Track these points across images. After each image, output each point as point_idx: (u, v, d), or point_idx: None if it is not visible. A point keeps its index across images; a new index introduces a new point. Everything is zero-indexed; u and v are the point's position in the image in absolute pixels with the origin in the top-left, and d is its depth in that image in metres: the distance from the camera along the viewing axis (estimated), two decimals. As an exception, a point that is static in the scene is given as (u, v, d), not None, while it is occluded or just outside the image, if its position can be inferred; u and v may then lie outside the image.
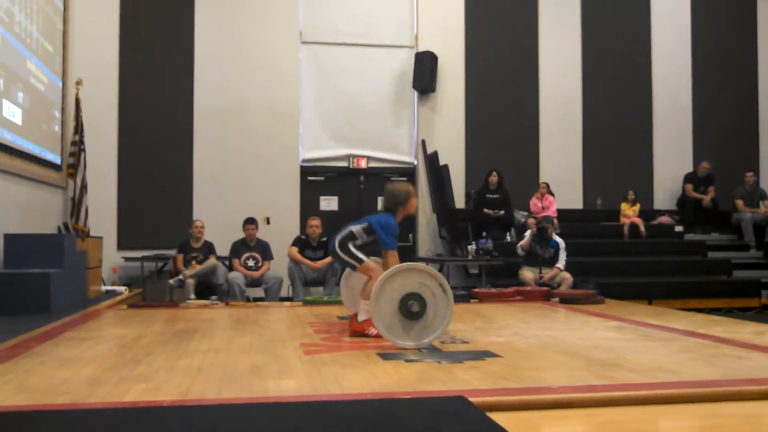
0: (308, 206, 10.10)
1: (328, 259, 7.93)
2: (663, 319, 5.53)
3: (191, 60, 9.99)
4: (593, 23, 11.21)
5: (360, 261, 4.61)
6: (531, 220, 9.15)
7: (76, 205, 8.45)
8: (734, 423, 2.61)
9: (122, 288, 8.31)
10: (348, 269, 5.14)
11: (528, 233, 8.43)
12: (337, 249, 4.62)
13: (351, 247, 4.60)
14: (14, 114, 6.89)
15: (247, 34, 10.12)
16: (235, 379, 3.17)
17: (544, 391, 2.89)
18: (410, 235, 10.53)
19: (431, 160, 10.21)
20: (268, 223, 9.76)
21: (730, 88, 11.56)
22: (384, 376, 3.25)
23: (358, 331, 4.58)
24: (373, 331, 4.50)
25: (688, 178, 10.94)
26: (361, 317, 4.60)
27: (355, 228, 4.67)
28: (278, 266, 8.38)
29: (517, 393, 2.86)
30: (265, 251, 8.30)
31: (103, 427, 2.35)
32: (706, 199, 10.70)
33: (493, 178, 9.85)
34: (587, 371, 3.35)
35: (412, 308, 4.15)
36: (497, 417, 2.44)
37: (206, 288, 7.95)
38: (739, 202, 10.61)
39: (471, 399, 2.64)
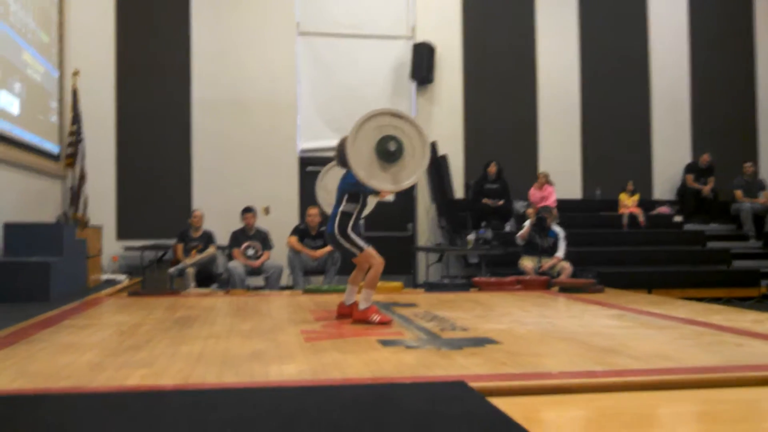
0: (307, 196, 10.07)
1: (328, 248, 7.94)
2: (662, 308, 5.54)
3: (188, 50, 9.96)
4: (591, 13, 11.19)
5: (361, 249, 4.61)
6: (530, 210, 9.15)
7: (75, 195, 8.45)
8: (733, 408, 2.62)
9: (122, 277, 8.32)
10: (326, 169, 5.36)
11: (527, 223, 8.44)
12: (337, 235, 4.61)
13: (351, 233, 4.60)
14: (11, 104, 6.88)
15: (244, 25, 10.10)
16: (236, 365, 3.18)
17: (544, 377, 2.90)
18: (410, 225, 10.54)
19: (430, 150, 10.19)
20: (268, 213, 9.77)
21: (728, 78, 11.54)
22: (384, 361, 3.25)
23: (361, 318, 4.59)
24: (375, 318, 4.53)
25: (689, 169, 10.94)
26: (362, 305, 4.61)
27: (342, 206, 4.64)
28: (278, 255, 8.39)
29: (517, 378, 2.87)
30: (264, 240, 8.31)
31: (105, 410, 2.36)
32: (706, 189, 10.70)
33: (492, 168, 9.85)
34: (587, 357, 3.36)
35: (389, 148, 4.19)
36: (497, 402, 2.44)
37: (206, 277, 7.96)
38: (738, 193, 10.61)
39: (471, 384, 2.65)
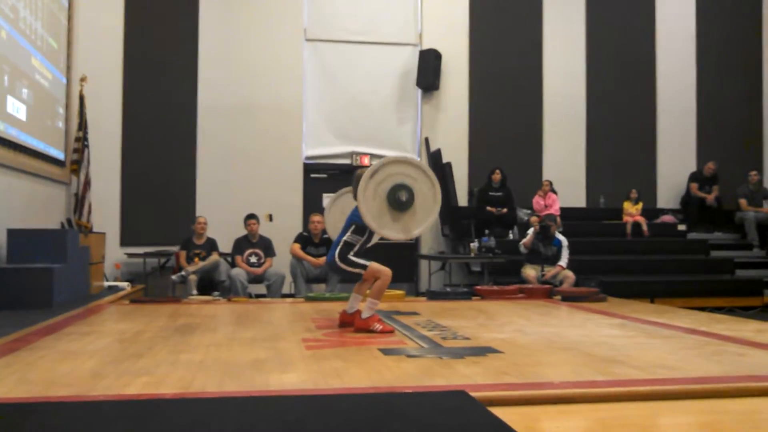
0: (311, 203, 10.10)
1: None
2: (665, 317, 5.53)
3: (195, 57, 9.99)
4: (598, 22, 11.20)
5: (365, 267, 4.61)
6: (534, 218, 9.14)
7: (80, 201, 8.46)
8: (735, 419, 2.61)
9: (125, 284, 8.32)
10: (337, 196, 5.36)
11: (531, 231, 8.42)
12: (338, 262, 4.61)
13: (351, 257, 4.60)
14: (18, 110, 6.90)
15: (251, 32, 10.13)
16: (236, 373, 3.18)
17: (546, 387, 2.89)
18: (413, 233, 10.52)
19: (434, 157, 10.21)
20: (271, 220, 9.77)
21: (734, 87, 11.53)
22: (385, 370, 3.25)
23: (363, 327, 4.59)
24: (377, 327, 4.52)
25: (693, 177, 10.91)
26: (365, 314, 4.60)
27: (347, 236, 4.65)
28: (281, 263, 8.38)
29: (519, 388, 2.86)
30: (267, 248, 8.31)
31: (105, 420, 2.35)
32: (710, 198, 10.67)
33: (497, 176, 9.84)
34: (589, 367, 3.35)
35: (400, 198, 4.20)
36: (498, 412, 2.44)
37: (209, 284, 7.95)
38: (743, 201, 10.58)
39: (472, 394, 2.64)
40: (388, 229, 4.33)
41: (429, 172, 4.46)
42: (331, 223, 5.61)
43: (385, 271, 4.59)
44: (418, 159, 4.72)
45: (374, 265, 4.60)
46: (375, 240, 4.84)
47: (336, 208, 5.55)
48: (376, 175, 4.30)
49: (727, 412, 2.68)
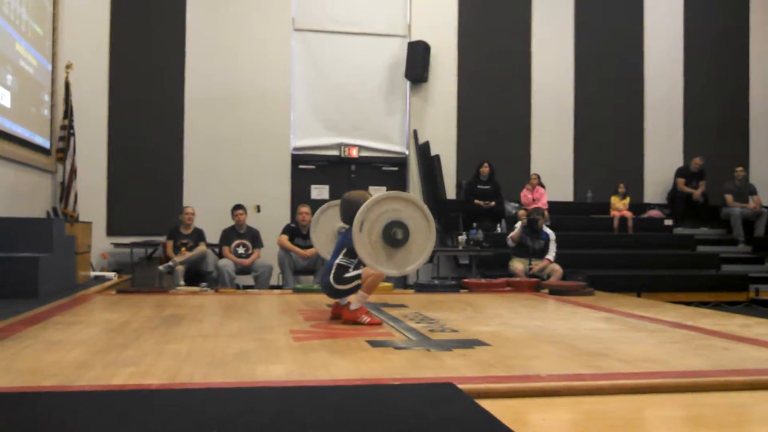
0: (299, 195, 10.08)
1: (319, 247, 7.95)
2: (652, 311, 5.56)
3: (182, 46, 9.92)
4: (586, 17, 11.22)
5: (359, 276, 4.60)
6: (522, 212, 9.16)
7: (65, 190, 8.40)
8: (720, 413, 2.62)
9: (111, 274, 8.28)
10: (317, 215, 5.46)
11: (518, 224, 8.45)
12: (334, 285, 4.61)
13: (346, 275, 4.60)
14: (3, 96, 6.83)
15: (239, 21, 10.06)
16: (223, 364, 3.16)
17: (533, 379, 2.90)
18: (401, 225, 10.51)
19: (423, 150, 10.21)
20: (259, 211, 9.74)
21: (721, 83, 11.60)
22: (373, 362, 3.25)
23: (351, 319, 4.58)
24: (365, 319, 4.53)
25: (680, 173, 10.98)
26: (354, 306, 4.60)
27: (339, 260, 4.64)
28: (268, 254, 8.37)
29: (506, 381, 2.87)
30: (255, 239, 8.29)
31: (92, 409, 2.34)
32: (697, 193, 10.74)
33: (485, 169, 9.86)
34: (575, 360, 3.37)
35: (396, 236, 4.22)
36: (485, 404, 2.44)
37: (196, 275, 7.92)
38: (729, 197, 10.66)
39: (460, 386, 2.64)
40: (384, 267, 4.34)
41: (422, 206, 4.46)
42: (319, 244, 5.63)
43: (378, 272, 4.59)
44: (410, 194, 4.71)
45: (367, 271, 4.60)
46: None
47: (320, 229, 5.57)
48: (365, 225, 4.29)
49: (712, 405, 2.70)
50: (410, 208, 4.40)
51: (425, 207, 4.48)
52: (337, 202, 5.13)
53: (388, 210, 4.32)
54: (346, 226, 4.73)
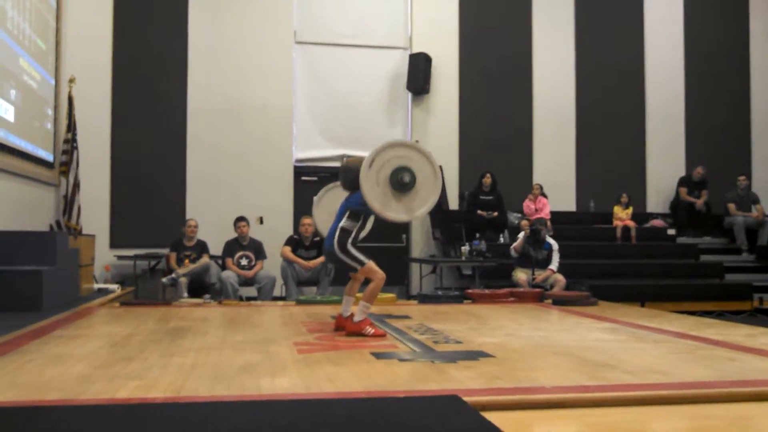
0: (302, 206, 10.06)
1: (321, 258, 7.97)
2: (655, 321, 5.55)
3: (185, 59, 9.96)
4: (587, 26, 11.26)
5: (362, 263, 4.58)
6: (524, 222, 9.16)
7: (69, 203, 8.41)
8: (725, 424, 2.62)
9: (114, 286, 8.27)
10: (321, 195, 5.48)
11: (521, 235, 8.44)
12: (337, 251, 4.57)
13: (351, 248, 4.58)
14: (6, 111, 6.86)
15: (241, 34, 10.11)
16: (228, 377, 3.16)
17: (538, 391, 2.89)
18: (404, 236, 10.53)
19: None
20: (261, 222, 9.75)
21: (722, 91, 11.62)
22: (377, 375, 3.24)
23: (354, 331, 4.57)
24: (369, 330, 4.52)
25: (683, 182, 10.97)
26: (357, 317, 4.59)
27: (342, 223, 4.63)
28: (271, 266, 8.37)
29: (511, 393, 2.86)
30: (258, 250, 8.30)
31: (95, 423, 2.34)
32: (699, 202, 10.73)
33: (487, 180, 9.87)
34: (580, 372, 3.36)
35: (403, 179, 4.29)
36: (491, 416, 2.44)
37: (199, 287, 7.93)
38: (732, 206, 10.65)
39: (465, 398, 2.64)
40: (393, 211, 4.42)
41: (425, 151, 4.55)
42: (320, 221, 5.63)
43: (380, 274, 4.57)
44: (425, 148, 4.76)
45: (371, 265, 4.58)
46: (369, 227, 4.85)
47: (322, 207, 5.58)
48: (374, 163, 4.37)
49: (718, 417, 2.69)
50: (422, 160, 4.51)
51: (436, 163, 4.58)
52: (335, 184, 5.19)
53: (400, 155, 4.43)
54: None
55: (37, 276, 5.72)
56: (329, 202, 5.45)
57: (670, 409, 2.77)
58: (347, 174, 4.66)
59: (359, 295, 4.69)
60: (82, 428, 2.29)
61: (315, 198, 5.69)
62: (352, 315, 4.67)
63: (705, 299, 8.96)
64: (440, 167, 9.92)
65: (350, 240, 4.57)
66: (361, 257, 4.57)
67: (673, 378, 3.21)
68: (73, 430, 2.26)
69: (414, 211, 4.49)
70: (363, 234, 4.72)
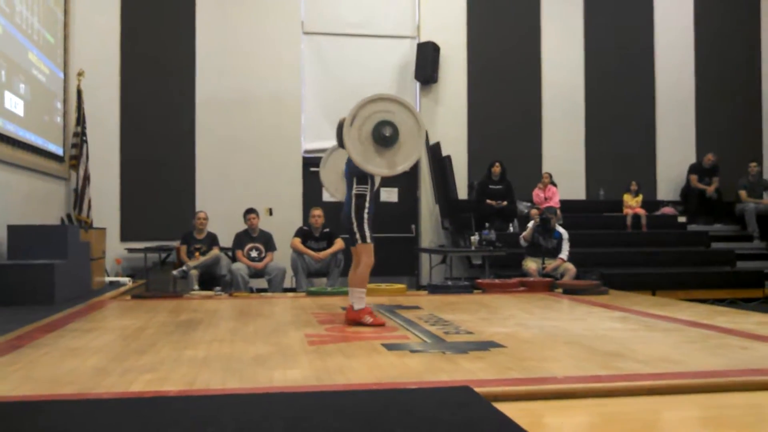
0: (311, 197, 10.09)
1: (331, 249, 8.00)
2: (667, 310, 5.53)
3: (193, 51, 9.96)
4: (596, 13, 11.17)
5: (364, 240, 4.60)
6: (534, 211, 9.13)
7: (79, 197, 8.45)
8: (739, 413, 2.61)
9: (126, 279, 8.32)
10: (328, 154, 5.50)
11: (531, 224, 8.42)
12: (352, 216, 4.61)
13: (366, 220, 4.59)
14: (16, 105, 6.88)
15: (248, 25, 10.09)
16: (239, 369, 3.18)
17: (549, 381, 2.89)
18: (413, 226, 10.53)
19: (433, 150, 10.20)
20: (271, 214, 9.77)
21: (733, 78, 11.51)
22: (388, 366, 3.25)
23: (353, 319, 4.59)
24: (368, 319, 4.53)
25: (693, 169, 10.91)
26: (357, 305, 4.60)
27: (355, 190, 4.64)
28: (281, 257, 8.39)
29: (523, 383, 2.86)
30: (268, 242, 8.31)
31: (110, 417, 2.35)
32: (710, 189, 10.67)
33: (496, 169, 9.83)
34: (592, 361, 3.36)
35: (384, 133, 4.29)
36: (502, 407, 2.44)
37: (210, 279, 7.96)
38: (743, 193, 10.58)
39: (476, 389, 2.64)
40: (374, 165, 4.46)
41: (416, 113, 4.56)
42: (328, 182, 5.70)
43: (372, 260, 4.66)
44: (407, 99, 4.74)
45: (370, 247, 4.64)
46: (378, 183, 4.89)
47: (329, 169, 5.65)
48: (356, 120, 4.37)
49: (731, 406, 2.68)
50: (404, 113, 4.50)
51: (419, 115, 4.58)
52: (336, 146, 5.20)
53: (381, 110, 4.44)
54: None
55: (49, 270, 5.76)
56: (334, 163, 5.52)
57: (683, 399, 2.76)
58: (339, 133, 4.68)
59: (351, 282, 4.73)
60: (98, 422, 2.31)
61: (321, 160, 5.74)
62: (352, 305, 4.68)
63: (716, 287, 8.91)
64: (449, 158, 9.99)
65: (367, 208, 4.59)
66: (367, 235, 4.60)
67: (686, 367, 3.21)
68: (88, 424, 2.28)
69: (396, 166, 4.49)
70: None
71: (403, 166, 4.52)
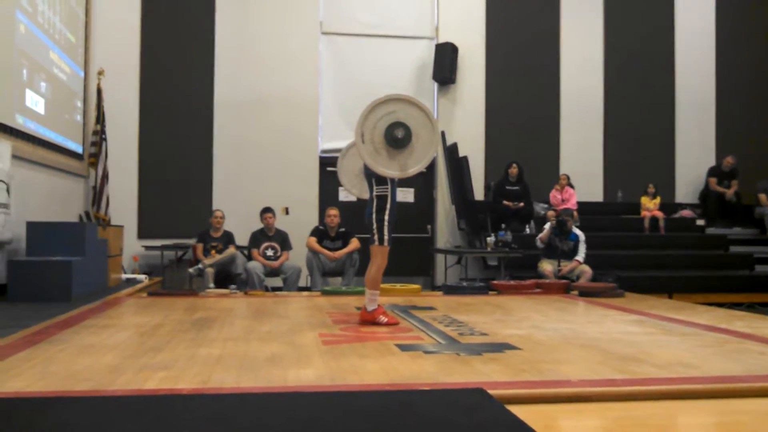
0: (327, 197, 10.11)
1: (347, 249, 8.00)
2: (684, 314, 5.48)
3: (212, 51, 10.01)
4: (616, 14, 11.10)
5: (382, 242, 4.60)
6: (551, 213, 9.09)
7: (98, 194, 8.52)
8: (755, 420, 2.58)
9: (142, 276, 8.38)
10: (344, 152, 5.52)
11: (547, 225, 8.38)
12: (374, 216, 4.62)
13: (387, 222, 4.58)
14: (37, 103, 6.95)
15: (267, 25, 10.13)
16: (254, 368, 3.18)
17: (564, 385, 2.87)
18: (429, 226, 10.51)
19: (451, 151, 10.18)
20: (287, 213, 9.79)
21: (754, 80, 11.40)
22: (403, 367, 3.25)
23: (367, 320, 4.59)
24: (383, 319, 4.53)
25: (712, 172, 10.81)
26: (370, 306, 4.60)
27: (375, 191, 4.64)
28: (297, 256, 8.42)
29: (537, 386, 2.85)
30: (284, 241, 8.34)
31: (124, 414, 2.37)
32: (729, 192, 10.57)
33: (513, 170, 9.80)
34: (606, 365, 3.33)
35: (397, 135, 4.24)
36: (516, 410, 2.43)
37: (225, 277, 7.99)
38: (762, 196, 10.47)
39: (490, 391, 2.63)
40: (385, 167, 4.39)
41: (417, 102, 4.49)
42: (348, 184, 5.77)
43: (385, 262, 4.67)
44: (403, 93, 4.72)
45: (386, 250, 4.63)
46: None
47: (346, 169, 5.69)
48: (365, 134, 4.34)
49: (747, 412, 2.65)
50: (407, 108, 4.44)
51: (421, 102, 4.51)
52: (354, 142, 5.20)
53: (383, 115, 4.37)
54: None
55: (66, 266, 5.81)
56: (349, 164, 5.55)
57: (699, 404, 2.74)
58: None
59: (366, 283, 4.72)
60: (112, 419, 2.32)
61: (338, 157, 5.80)
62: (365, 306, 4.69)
63: (734, 291, 8.83)
64: (466, 158, 9.96)
65: (388, 210, 4.57)
66: (386, 238, 4.59)
67: (702, 372, 3.17)
68: (103, 421, 2.29)
69: (407, 169, 4.44)
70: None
71: (415, 169, 4.49)
